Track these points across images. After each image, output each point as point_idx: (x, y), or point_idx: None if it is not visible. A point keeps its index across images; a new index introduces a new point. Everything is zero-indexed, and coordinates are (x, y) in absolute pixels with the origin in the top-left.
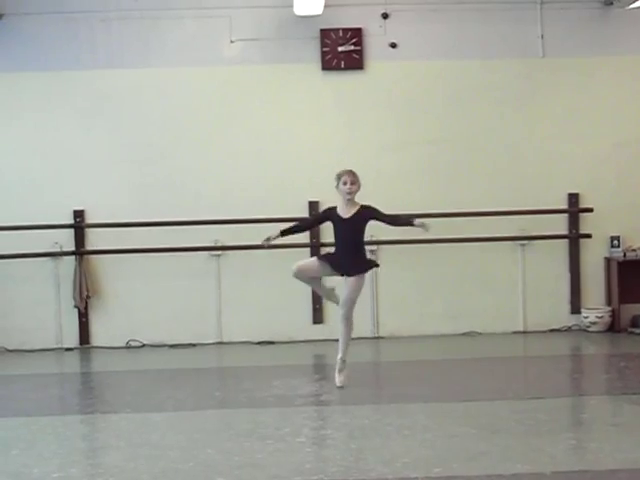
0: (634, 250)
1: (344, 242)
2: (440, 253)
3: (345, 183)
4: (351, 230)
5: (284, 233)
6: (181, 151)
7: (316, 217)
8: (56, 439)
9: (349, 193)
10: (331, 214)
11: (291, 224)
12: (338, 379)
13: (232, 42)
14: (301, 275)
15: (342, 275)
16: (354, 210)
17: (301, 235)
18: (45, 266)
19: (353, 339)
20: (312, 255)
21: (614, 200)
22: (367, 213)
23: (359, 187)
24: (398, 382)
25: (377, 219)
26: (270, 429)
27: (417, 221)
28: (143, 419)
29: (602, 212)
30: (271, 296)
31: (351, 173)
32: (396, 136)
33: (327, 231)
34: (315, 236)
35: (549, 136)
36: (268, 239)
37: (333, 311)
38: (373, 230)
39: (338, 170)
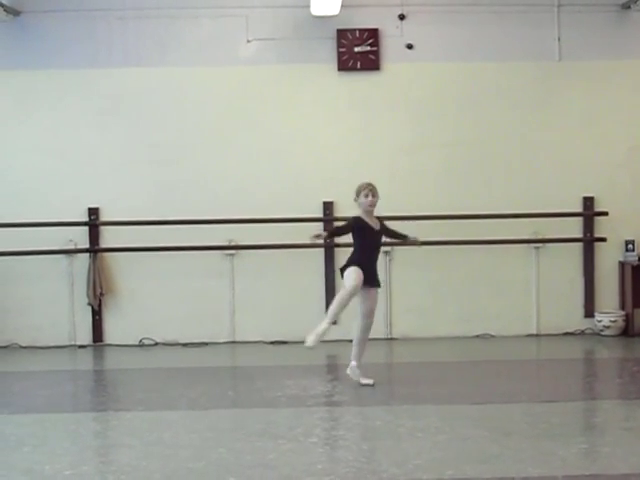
0: None
1: (373, 253)
2: (454, 255)
3: (367, 196)
4: (379, 242)
5: (330, 235)
6: (196, 150)
7: (349, 224)
8: (68, 436)
9: (371, 205)
10: (361, 224)
11: (335, 227)
12: (366, 380)
13: (249, 42)
14: (358, 290)
15: (363, 286)
16: (378, 222)
17: None
18: (59, 263)
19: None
20: (326, 256)
21: (629, 204)
22: (383, 225)
23: (378, 199)
24: (411, 383)
25: (385, 232)
26: (282, 429)
27: (410, 238)
28: (155, 417)
29: (617, 216)
30: (284, 296)
31: (371, 186)
32: (411, 138)
33: None
34: (331, 239)
35: (564, 139)
36: (318, 236)
37: (347, 312)
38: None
39: (350, 171)
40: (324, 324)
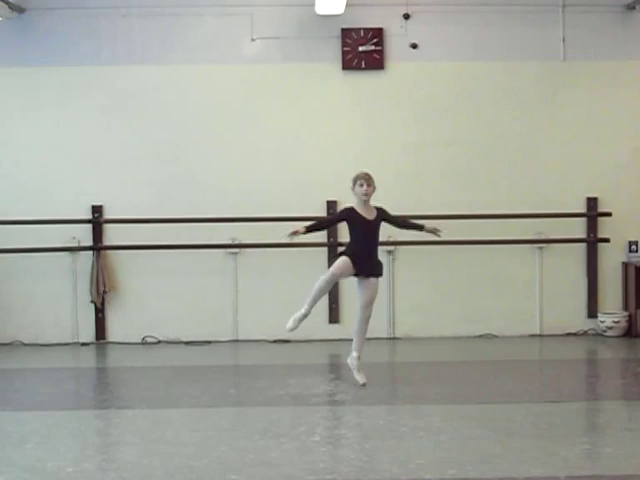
0: None
1: (367, 243)
2: (457, 255)
3: (362, 185)
4: (374, 232)
5: (309, 229)
6: (200, 148)
7: (336, 216)
8: (70, 434)
9: (365, 195)
10: (351, 214)
11: (314, 221)
12: (360, 377)
13: (253, 40)
14: (336, 278)
15: (358, 276)
16: (375, 212)
17: (319, 234)
18: (62, 261)
19: (369, 339)
20: (330, 254)
21: (633, 205)
22: (382, 214)
23: (374, 189)
24: (413, 383)
25: (389, 221)
26: (285, 428)
27: (428, 227)
28: (158, 415)
29: (621, 217)
30: (287, 294)
31: (367, 175)
32: (415, 137)
33: (344, 230)
34: (332, 235)
35: (569, 139)
36: (295, 233)
37: (349, 311)
38: (390, 231)
39: (355, 171)
40: (303, 309)
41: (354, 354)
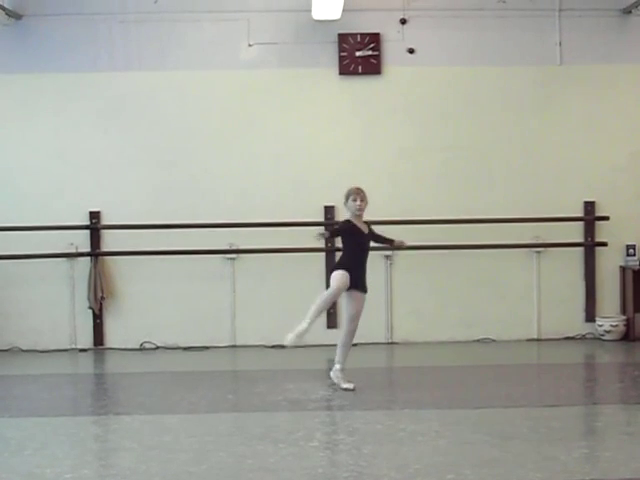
0: None
1: (361, 257)
2: (455, 260)
3: (355, 200)
4: (368, 245)
5: (332, 235)
6: (197, 154)
7: (340, 227)
8: (69, 440)
9: (359, 209)
10: (353, 227)
11: (333, 228)
12: (348, 384)
13: (250, 45)
14: (340, 293)
15: (349, 289)
16: (366, 226)
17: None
18: (60, 267)
19: (367, 343)
20: (327, 260)
21: (630, 208)
22: (371, 229)
23: (367, 204)
24: (411, 388)
25: (375, 236)
26: (283, 433)
27: (397, 241)
28: (156, 421)
29: (618, 220)
30: (285, 300)
31: (360, 190)
32: (412, 142)
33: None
34: (330, 241)
35: (566, 144)
36: (322, 234)
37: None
38: (387, 236)
39: (352, 176)
40: (304, 324)
41: (338, 366)
